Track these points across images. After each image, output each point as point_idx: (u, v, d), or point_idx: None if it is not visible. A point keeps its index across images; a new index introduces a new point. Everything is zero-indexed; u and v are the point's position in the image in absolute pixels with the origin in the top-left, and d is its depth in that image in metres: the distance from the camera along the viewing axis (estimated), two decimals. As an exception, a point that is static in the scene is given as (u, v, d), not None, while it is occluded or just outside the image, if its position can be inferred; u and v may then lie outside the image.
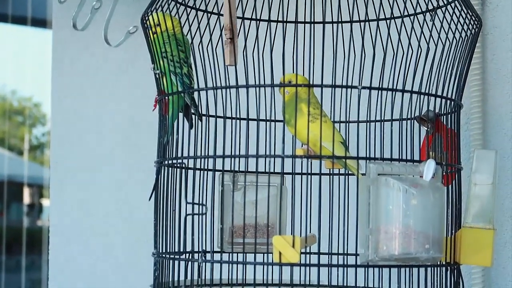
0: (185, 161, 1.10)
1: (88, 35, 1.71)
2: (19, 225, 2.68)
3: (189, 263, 1.07)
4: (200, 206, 1.07)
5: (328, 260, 1.05)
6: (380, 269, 1.01)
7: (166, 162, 1.13)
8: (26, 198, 2.80)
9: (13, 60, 2.64)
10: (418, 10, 1.07)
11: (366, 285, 1.06)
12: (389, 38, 1.04)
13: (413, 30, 1.04)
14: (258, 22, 1.14)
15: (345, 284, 1.03)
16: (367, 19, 1.08)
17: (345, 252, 1.04)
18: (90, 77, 1.89)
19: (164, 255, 1.10)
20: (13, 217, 2.74)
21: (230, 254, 1.12)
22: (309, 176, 1.12)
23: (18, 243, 2.53)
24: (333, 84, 0.99)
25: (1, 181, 2.75)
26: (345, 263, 1.02)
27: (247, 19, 1.15)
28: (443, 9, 1.08)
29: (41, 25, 2.46)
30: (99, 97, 1.88)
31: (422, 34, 1.04)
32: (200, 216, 1.07)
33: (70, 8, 1.68)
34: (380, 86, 0.99)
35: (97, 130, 1.88)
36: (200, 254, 1.07)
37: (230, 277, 1.10)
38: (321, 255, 1.08)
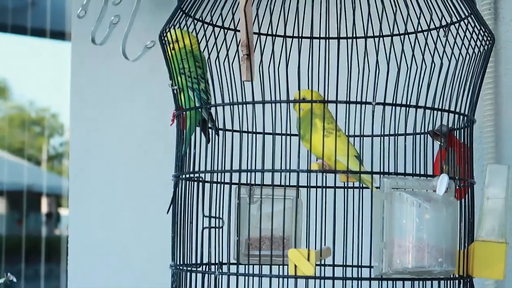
0: (202, 174, 1.10)
1: (107, 49, 1.71)
2: (38, 234, 2.68)
3: (206, 275, 1.07)
4: (217, 220, 1.08)
5: (343, 273, 1.05)
6: (394, 282, 1.00)
7: (184, 176, 1.13)
8: (44, 208, 2.81)
9: (32, 71, 2.65)
10: (432, 26, 1.07)
11: None
12: (403, 54, 1.03)
13: (426, 45, 1.05)
14: (274, 37, 1.14)
15: None
16: (381, 34, 1.09)
17: (360, 264, 1.07)
18: (108, 89, 1.89)
19: (181, 267, 1.10)
20: (32, 226, 2.75)
21: (246, 266, 1.13)
22: (324, 189, 1.09)
23: (37, 252, 2.53)
24: (348, 100, 0.99)
25: (20, 190, 2.75)
26: (360, 275, 1.04)
27: (263, 34, 1.15)
28: (456, 25, 1.07)
29: (60, 38, 2.47)
30: (117, 109, 1.88)
31: (436, 50, 1.04)
32: (217, 229, 1.08)
33: (89, 22, 1.70)
34: (394, 102, 0.99)
35: (116, 142, 1.88)
36: (216, 266, 1.08)
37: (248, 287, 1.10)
38: (335, 268, 1.09)
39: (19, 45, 2.62)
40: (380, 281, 0.99)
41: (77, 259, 1.93)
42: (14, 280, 2.13)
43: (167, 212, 1.14)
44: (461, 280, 1.02)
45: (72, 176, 1.96)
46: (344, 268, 1.07)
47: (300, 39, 1.11)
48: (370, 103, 0.98)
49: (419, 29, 1.07)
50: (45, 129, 2.82)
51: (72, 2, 2.04)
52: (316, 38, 1.14)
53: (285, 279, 1.04)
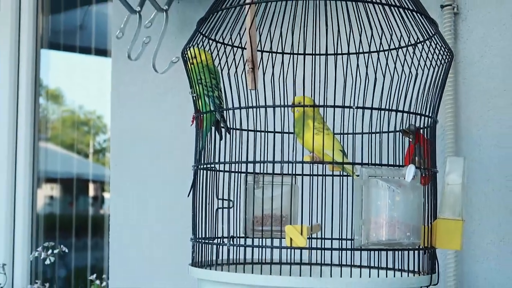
0: (216, 165, 1.11)
1: (140, 64, 1.72)
2: (85, 214, 2.69)
3: (220, 246, 1.08)
4: (228, 201, 1.08)
5: (330, 245, 1.05)
6: (370, 252, 1.00)
7: (201, 166, 1.13)
8: (91, 192, 2.81)
9: (80, 81, 2.66)
10: (403, 44, 1.07)
11: (360, 265, 1.05)
12: (378, 67, 1.02)
13: (398, 60, 1.03)
14: (273, 54, 1.14)
15: (342, 263, 1.06)
16: (361, 51, 1.07)
17: (343, 238, 1.07)
18: (141, 96, 1.89)
19: (199, 240, 1.10)
20: (81, 207, 2.75)
21: (252, 239, 1.14)
22: (314, 177, 1.13)
23: (84, 228, 2.54)
24: (334, 104, 0.99)
25: (71, 178, 2.76)
26: (342, 247, 1.03)
27: (265, 51, 1.15)
28: (423, 43, 1.07)
29: (102, 55, 2.47)
30: (148, 112, 1.88)
31: (406, 64, 1.03)
32: (228, 209, 1.08)
33: (126, 42, 1.71)
34: (371, 106, 0.99)
35: (147, 139, 1.87)
36: (228, 239, 1.09)
37: (252, 258, 1.08)
38: (324, 240, 1.10)
39: (70, 61, 2.62)
40: (360, 251, 0.99)
41: (116, 234, 1.94)
42: (66, 250, 2.15)
43: (188, 196, 1.14)
44: (426, 251, 1.02)
45: (113, 166, 1.96)
46: (331, 240, 1.09)
47: (294, 55, 1.11)
48: (351, 107, 0.99)
49: (392, 46, 1.05)
50: (91, 128, 2.81)
51: (112, 26, 2.04)
52: (308, 54, 1.11)
53: (283, 250, 1.03)
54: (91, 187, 2.83)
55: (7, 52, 2.45)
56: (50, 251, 2.05)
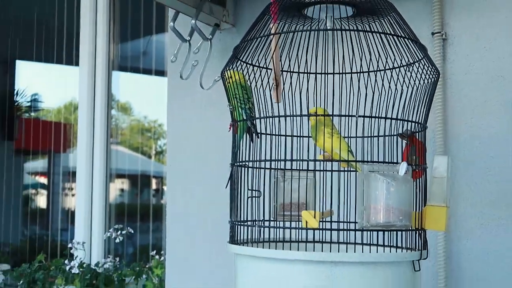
0: (248, 163, 1.12)
1: (190, 82, 1.72)
2: (148, 203, 2.73)
3: (253, 228, 1.09)
4: (257, 192, 1.09)
5: (337, 226, 1.05)
6: (371, 232, 1.01)
7: (236, 163, 1.13)
8: (153, 186, 2.85)
9: (144, 96, 2.70)
10: (397, 65, 1.06)
11: (362, 243, 1.04)
12: (376, 83, 1.02)
13: (392, 78, 1.03)
14: (292, 73, 1.12)
15: (348, 242, 1.06)
16: (366, 70, 1.06)
17: (348, 221, 1.08)
18: (191, 108, 1.89)
19: (235, 223, 1.11)
20: (144, 197, 2.79)
21: (279, 222, 1.13)
22: (327, 172, 1.12)
23: (147, 215, 2.58)
24: (340, 114, 1.00)
25: (136, 174, 2.81)
26: (348, 227, 1.04)
27: (286, 71, 1.13)
28: (415, 64, 1.08)
29: (161, 75, 2.51)
30: (196, 121, 1.88)
31: (398, 81, 1.03)
32: (257, 198, 1.09)
33: (178, 64, 1.72)
34: (371, 115, 1.00)
35: (195, 143, 1.87)
36: (259, 221, 1.10)
37: (278, 237, 1.11)
38: (333, 223, 1.08)
39: (136, 80, 2.66)
40: (362, 232, 0.99)
41: (171, 219, 1.94)
42: (132, 231, 2.20)
43: (226, 187, 1.15)
44: (417, 231, 1.02)
45: (168, 165, 1.96)
46: (338, 223, 1.09)
47: (309, 74, 1.12)
48: (354, 115, 0.99)
49: (387, 67, 1.06)
50: (153, 134, 2.86)
51: (168, 52, 2.05)
52: (320, 73, 1.13)
53: (302, 230, 1.04)
54: (153, 181, 2.87)
55: (86, 73, 2.50)
56: (119, 232, 2.10)
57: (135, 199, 2.78)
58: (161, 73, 2.51)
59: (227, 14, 1.77)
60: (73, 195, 2.96)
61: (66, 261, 2.12)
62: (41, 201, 3.44)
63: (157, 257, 1.99)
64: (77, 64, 2.60)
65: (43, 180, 3.49)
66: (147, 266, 2.03)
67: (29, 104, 3.46)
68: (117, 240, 2.10)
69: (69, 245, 2.30)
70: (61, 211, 3.13)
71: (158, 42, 2.61)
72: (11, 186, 3.24)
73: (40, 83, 3.39)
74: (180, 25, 1.67)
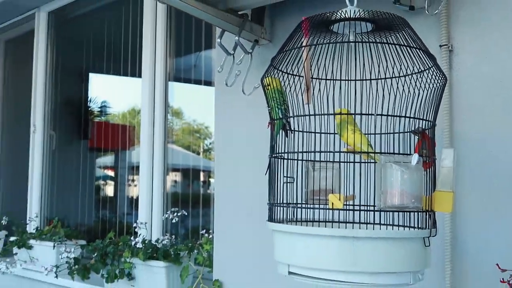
0: (283, 154, 1.12)
1: (233, 88, 1.72)
2: (198, 192, 2.75)
3: (288, 209, 1.09)
4: (290, 178, 1.10)
5: (359, 207, 1.05)
6: (387, 213, 1.01)
7: (273, 155, 1.13)
8: (201, 178, 2.86)
9: (194, 102, 2.72)
10: (410, 72, 1.07)
11: (380, 222, 1.05)
12: (397, 88, 1.03)
13: (410, 82, 1.05)
14: (321, 80, 1.12)
15: (367, 222, 1.06)
16: (384, 77, 1.07)
17: (368, 204, 1.07)
18: (234, 110, 1.88)
19: (273, 205, 1.11)
20: (195, 188, 2.81)
21: (309, 204, 1.13)
22: (351, 163, 1.09)
23: (197, 201, 2.60)
24: (361, 112, 0.99)
25: (188, 168, 2.83)
26: (368, 209, 1.04)
27: (316, 78, 1.13)
28: (426, 71, 1.07)
29: (209, 84, 2.51)
30: (239, 120, 1.87)
31: (411, 86, 1.04)
32: (291, 184, 1.09)
33: (224, 74, 1.72)
34: (387, 113, 0.99)
35: (238, 138, 1.86)
36: (293, 204, 1.10)
37: (308, 217, 1.11)
38: (355, 206, 1.08)
39: (187, 89, 2.68)
40: (380, 212, 0.99)
41: (218, 204, 1.94)
42: (186, 213, 2.23)
43: (265, 174, 1.15)
44: (427, 213, 1.02)
45: (216, 159, 1.96)
46: (360, 206, 1.08)
47: (334, 81, 1.10)
48: (373, 114, 0.99)
49: (402, 74, 1.06)
50: (201, 135, 2.88)
51: (215, 64, 2.05)
52: (344, 80, 1.11)
53: (328, 211, 1.05)
54: (201, 174, 2.87)
55: (147, 84, 2.52)
56: (175, 214, 2.13)
57: (186, 188, 2.79)
58: (208, 83, 2.52)
59: (265, 32, 1.77)
60: (135, 185, 2.97)
61: (132, 238, 2.16)
62: (109, 190, 3.48)
63: (206, 235, 1.99)
64: (139, 75, 2.63)
65: (110, 173, 3.53)
66: (198, 242, 2.03)
67: (99, 109, 3.51)
68: (174, 221, 2.12)
69: (134, 225, 2.33)
70: (125, 198, 3.17)
71: (206, 57, 2.62)
72: (86, 177, 3.30)
73: (108, 92, 3.44)
74: (225, 41, 1.68)
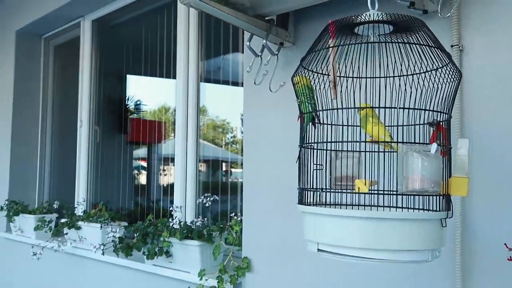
0: (312, 144, 1.12)
1: (261, 86, 1.72)
2: (226, 180, 2.73)
3: (316, 192, 1.09)
4: (319, 166, 1.10)
5: (383, 191, 1.03)
6: (409, 196, 1.01)
7: (303, 145, 1.13)
8: (224, 168, 2.83)
9: (222, 102, 2.71)
10: (430, 68, 1.06)
11: (402, 206, 1.05)
12: (413, 83, 1.02)
13: (429, 78, 1.04)
14: (348, 78, 1.12)
15: (390, 205, 1.06)
16: (405, 74, 1.05)
17: (391, 189, 1.04)
18: (262, 106, 1.87)
19: (303, 189, 1.11)
20: (219, 177, 2.79)
21: (335, 190, 1.11)
22: (374, 153, 1.12)
23: (226, 188, 2.58)
24: (385, 106, 0.99)
25: (217, 160, 2.80)
26: (391, 192, 1.02)
27: (341, 76, 1.13)
28: (443, 68, 1.06)
29: (236, 85, 2.50)
30: (266, 116, 1.85)
31: (431, 81, 1.03)
32: (319, 170, 1.09)
33: (252, 73, 1.75)
34: (408, 107, 0.98)
35: (265, 131, 1.85)
36: (321, 189, 1.09)
37: (335, 201, 1.09)
38: (378, 190, 1.07)
39: (215, 89, 2.67)
40: (402, 196, 0.99)
41: (247, 191, 1.93)
42: (217, 198, 2.23)
43: (296, 162, 1.14)
44: (444, 196, 1.01)
45: (244, 151, 1.95)
46: (383, 190, 1.06)
47: (360, 79, 1.07)
48: (395, 107, 0.98)
49: (422, 70, 1.05)
50: (223, 129, 2.86)
51: (243, 65, 2.04)
52: (368, 77, 1.08)
53: (353, 195, 1.03)
54: (224, 165, 2.85)
55: (181, 84, 2.53)
56: (207, 199, 2.14)
57: (215, 177, 2.79)
58: (236, 83, 2.51)
59: (289, 35, 1.76)
60: (165, 174, 3.00)
61: (170, 220, 2.18)
62: (144, 178, 3.49)
63: (235, 217, 1.99)
64: (168, 76, 2.64)
65: (145, 163, 3.54)
66: (228, 224, 2.03)
67: (135, 107, 3.52)
68: (207, 205, 2.13)
69: (170, 208, 2.35)
70: (158, 186, 3.18)
71: (229, 59, 2.61)
72: (126, 167, 3.32)
73: (143, 92, 3.45)
74: (253, 44, 1.67)
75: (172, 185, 2.58)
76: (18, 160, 3.63)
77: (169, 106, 3.10)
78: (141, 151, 3.51)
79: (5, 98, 3.70)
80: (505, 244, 1.19)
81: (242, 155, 2.05)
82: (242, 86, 1.96)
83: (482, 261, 1.29)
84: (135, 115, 3.55)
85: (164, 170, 3.13)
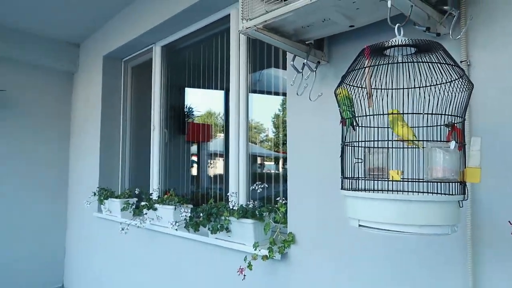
0: (352, 143, 1.13)
1: (302, 97, 1.72)
2: (270, 172, 2.71)
3: (355, 181, 1.11)
4: (359, 159, 1.12)
5: (412, 179, 1.05)
6: (433, 183, 1.02)
7: (344, 143, 1.14)
8: (259, 161, 2.79)
9: (265, 110, 2.68)
10: (446, 80, 1.07)
11: (427, 191, 1.05)
12: (430, 94, 1.03)
13: (450, 89, 1.06)
14: (381, 90, 1.13)
15: (418, 191, 1.07)
16: (427, 85, 1.06)
17: (417, 178, 1.07)
18: (303, 113, 1.84)
19: (344, 177, 1.13)
20: (267, 168, 2.77)
21: (369, 178, 1.11)
22: (402, 149, 1.11)
23: (270, 178, 2.56)
24: (408, 112, 1.01)
25: (262, 156, 2.79)
26: (417, 180, 1.04)
27: (375, 88, 1.13)
28: (457, 80, 1.07)
29: (278, 95, 2.45)
30: (306, 120, 1.83)
31: (452, 92, 1.05)
32: (359, 163, 1.11)
33: (295, 87, 1.77)
34: (431, 112, 1.00)
35: (305, 134, 1.86)
36: (356, 178, 1.11)
37: (368, 188, 1.11)
38: (405, 179, 1.08)
39: (260, 99, 2.67)
40: (427, 183, 1.00)
41: (291, 179, 1.92)
42: (267, 186, 2.25)
43: (339, 157, 1.18)
44: (461, 182, 1.02)
45: (288, 148, 1.93)
46: (412, 179, 1.08)
47: (389, 90, 1.11)
48: (421, 113, 1.00)
49: (438, 82, 1.06)
50: (257, 130, 2.79)
51: (285, 80, 2.03)
52: (395, 88, 1.12)
53: (384, 184, 1.05)
54: (258, 159, 2.82)
55: (234, 94, 2.55)
56: (259, 186, 2.17)
57: (261, 169, 2.77)
58: (278, 93, 2.50)
59: (324, 55, 1.78)
60: (214, 167, 3.03)
61: (228, 203, 2.22)
62: (198, 170, 3.53)
63: (280, 201, 2.00)
64: (216, 88, 2.63)
65: (197, 158, 3.57)
66: (275, 206, 2.04)
67: (191, 113, 3.58)
68: (258, 191, 2.15)
69: (228, 194, 2.39)
70: (209, 176, 3.18)
71: (267, 73, 2.60)
72: (185, 161, 3.38)
73: (196, 100, 3.50)
74: (295, 63, 1.71)
75: (220, 176, 2.57)
76: (105, 156, 3.77)
77: (214, 111, 3.12)
78: (197, 148, 3.57)
79: (96, 108, 3.86)
80: (510, 221, 1.19)
81: (273, 151, 2.05)
82: (274, 94, 1.95)
83: (490, 235, 1.29)
84: (191, 119, 3.61)
85: (211, 163, 3.16)
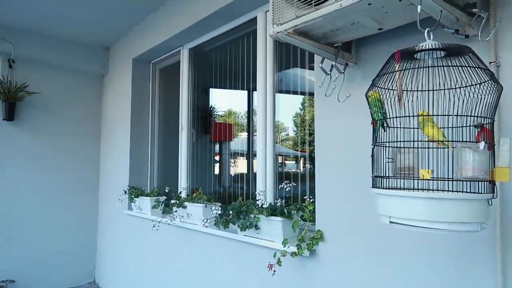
0: (383, 144, 1.15)
1: (330, 98, 1.76)
2: (296, 172, 2.72)
3: (384, 179, 1.12)
4: (390, 159, 1.14)
5: (443, 178, 1.07)
6: (463, 182, 1.03)
7: (375, 144, 1.16)
8: (280, 160, 2.79)
9: (287, 109, 2.68)
10: (477, 82, 1.08)
11: (457, 190, 1.05)
12: (463, 95, 1.05)
13: (479, 91, 1.07)
14: (408, 91, 1.14)
15: (448, 189, 1.07)
16: (458, 87, 1.07)
17: (448, 177, 1.08)
18: (331, 114, 1.86)
19: (376, 176, 1.15)
20: (292, 168, 2.78)
21: (399, 177, 1.13)
22: (429, 149, 1.13)
23: (296, 177, 2.49)
24: (436, 114, 1.04)
25: (286, 155, 2.81)
26: (448, 179, 1.06)
27: (405, 90, 1.14)
28: (486, 83, 1.08)
29: (300, 94, 2.37)
30: (334, 120, 1.85)
31: (481, 93, 1.06)
32: (390, 162, 1.13)
33: (323, 88, 1.77)
34: (459, 114, 1.03)
35: (333, 133, 1.85)
36: (387, 176, 1.13)
37: (396, 186, 1.12)
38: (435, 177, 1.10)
39: (282, 98, 2.68)
40: (458, 181, 1.02)
41: (320, 178, 1.92)
42: (294, 184, 2.27)
43: (371, 156, 1.20)
44: (490, 181, 1.03)
45: (316, 148, 1.93)
46: (442, 177, 1.09)
47: (418, 92, 1.12)
48: (450, 115, 1.03)
49: (469, 84, 1.07)
50: (278, 129, 2.78)
51: (316, 80, 1.99)
52: (425, 90, 1.13)
53: (414, 182, 1.06)
54: (279, 158, 2.83)
55: (261, 94, 2.57)
56: (287, 184, 2.22)
57: (287, 168, 2.78)
58: (303, 93, 2.50)
59: (352, 57, 1.81)
60: (235, 166, 3.06)
61: (256, 201, 2.26)
62: (222, 169, 3.55)
63: (307, 199, 2.01)
64: (237, 88, 2.63)
65: (228, 157, 3.61)
66: (303, 204, 2.06)
67: (215, 113, 3.63)
68: (287, 189, 2.17)
69: (256, 192, 2.43)
70: (233, 176, 3.19)
71: (287, 73, 2.60)
72: (211, 160, 3.41)
73: (221, 101, 3.55)
74: (323, 65, 1.73)
75: (244, 175, 2.56)
76: (135, 156, 3.88)
77: (235, 111, 3.14)
78: (221, 147, 3.62)
79: (126, 109, 3.97)
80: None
81: (296, 150, 2.04)
82: (296, 93, 1.93)
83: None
84: (215, 119, 3.67)
85: (234, 162, 3.20)
